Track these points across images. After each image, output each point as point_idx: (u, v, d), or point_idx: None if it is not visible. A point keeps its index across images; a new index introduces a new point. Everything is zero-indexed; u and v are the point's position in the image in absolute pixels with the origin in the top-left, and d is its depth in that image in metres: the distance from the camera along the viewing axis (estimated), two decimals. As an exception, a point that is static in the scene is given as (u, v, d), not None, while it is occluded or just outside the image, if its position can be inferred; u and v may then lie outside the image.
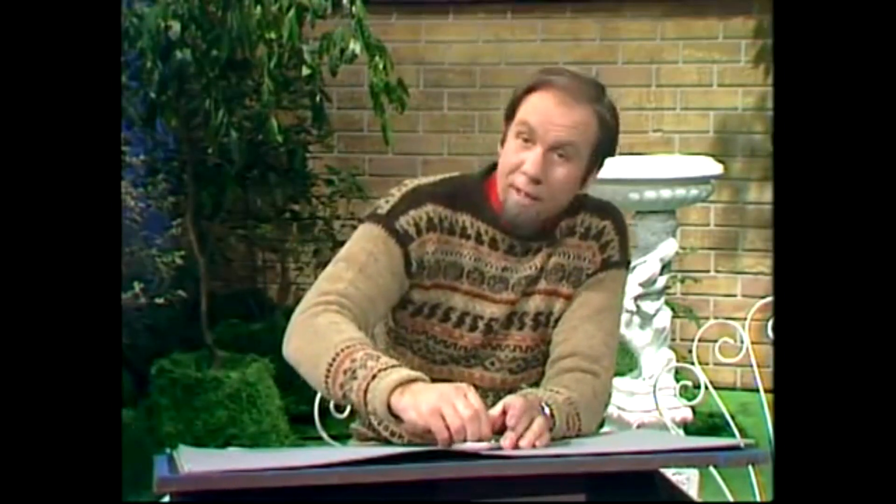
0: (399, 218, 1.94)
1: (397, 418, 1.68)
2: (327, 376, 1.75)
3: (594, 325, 1.98)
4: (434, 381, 1.84)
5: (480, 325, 1.99)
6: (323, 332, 1.80)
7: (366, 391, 1.70)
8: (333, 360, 1.74)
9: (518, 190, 1.91)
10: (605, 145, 1.95)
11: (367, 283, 1.89)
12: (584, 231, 2.02)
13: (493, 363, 2.01)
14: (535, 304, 2.00)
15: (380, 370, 1.70)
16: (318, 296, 1.87)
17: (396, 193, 1.98)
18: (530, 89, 1.91)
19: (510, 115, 1.94)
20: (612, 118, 1.94)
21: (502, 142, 1.96)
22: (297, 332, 1.85)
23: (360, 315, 1.86)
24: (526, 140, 1.90)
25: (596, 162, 1.96)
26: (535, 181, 1.90)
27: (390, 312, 2.00)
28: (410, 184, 2.00)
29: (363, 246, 1.93)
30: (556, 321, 2.01)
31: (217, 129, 3.97)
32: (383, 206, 1.96)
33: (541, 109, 1.89)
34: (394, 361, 1.74)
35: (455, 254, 1.97)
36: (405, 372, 1.70)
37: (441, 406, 1.62)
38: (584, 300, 2.00)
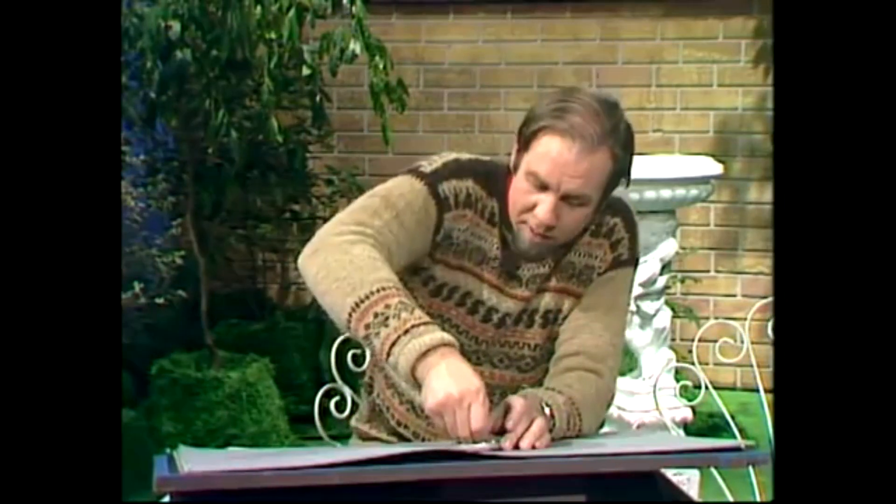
0: (442, 182, 1.90)
1: (416, 383, 1.66)
2: (353, 310, 1.69)
3: (602, 324, 1.97)
4: None
5: (494, 318, 1.97)
6: (360, 264, 1.73)
7: (393, 343, 1.66)
8: (367, 296, 1.68)
9: (531, 229, 1.89)
10: (618, 177, 1.90)
11: (399, 230, 1.84)
12: (595, 228, 1.99)
13: (501, 360, 2.00)
14: (545, 301, 1.99)
15: (413, 326, 1.66)
16: (356, 224, 1.80)
17: (438, 159, 1.93)
18: (544, 129, 1.83)
19: (522, 146, 1.87)
20: (627, 148, 1.87)
21: (514, 166, 1.90)
22: (328, 251, 1.77)
23: (388, 258, 1.79)
24: (537, 185, 1.85)
25: (609, 191, 1.92)
26: (549, 227, 1.87)
27: (411, 290, 1.95)
28: (450, 154, 1.96)
29: (402, 194, 1.87)
30: (564, 318, 2.00)
31: (217, 129, 3.97)
32: (426, 166, 1.92)
33: (553, 158, 1.82)
34: (426, 317, 1.69)
35: (482, 238, 1.94)
36: (437, 335, 1.66)
37: (444, 410, 1.62)
38: (593, 299, 1.99)
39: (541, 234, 1.88)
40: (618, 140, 1.84)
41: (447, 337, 1.68)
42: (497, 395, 1.97)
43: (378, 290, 1.69)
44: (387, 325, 1.67)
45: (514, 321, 1.99)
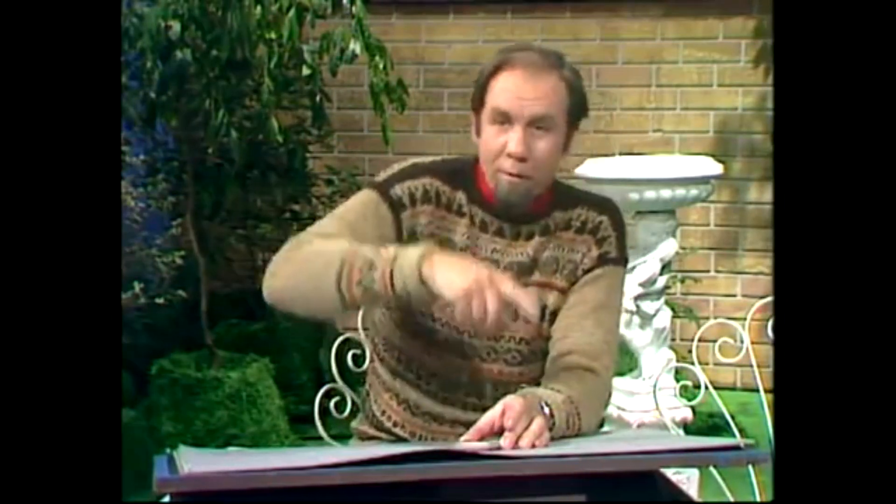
0: (395, 185, 1.98)
1: (427, 290, 1.69)
2: (339, 281, 1.74)
3: (593, 322, 1.97)
4: (432, 366, 1.95)
5: None
6: (318, 250, 1.81)
7: (391, 274, 1.71)
8: (342, 263, 1.74)
9: (507, 172, 1.93)
10: (577, 108, 1.97)
11: (352, 237, 1.88)
12: (580, 225, 2.02)
13: (489, 353, 2.00)
14: None
15: (397, 252, 1.72)
16: (302, 236, 1.90)
17: (395, 167, 2.02)
18: (494, 72, 1.93)
19: (478, 104, 1.97)
20: (578, 80, 1.97)
21: (477, 132, 1.99)
22: (285, 263, 1.86)
23: None
24: (503, 123, 1.92)
25: (572, 125, 1.98)
26: (522, 160, 1.92)
27: None
28: (410, 160, 2.04)
29: (354, 207, 1.97)
30: (552, 315, 2.00)
31: (217, 129, 3.97)
32: (381, 175, 2.01)
33: (510, 89, 1.91)
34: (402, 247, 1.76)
35: (450, 230, 1.99)
36: (420, 247, 1.73)
37: (472, 291, 1.64)
38: (582, 297, 1.99)
39: (516, 173, 1.93)
40: (566, 69, 1.95)
41: (431, 245, 1.75)
42: (488, 388, 1.99)
43: (349, 253, 1.75)
44: (375, 268, 1.72)
45: None
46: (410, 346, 2.00)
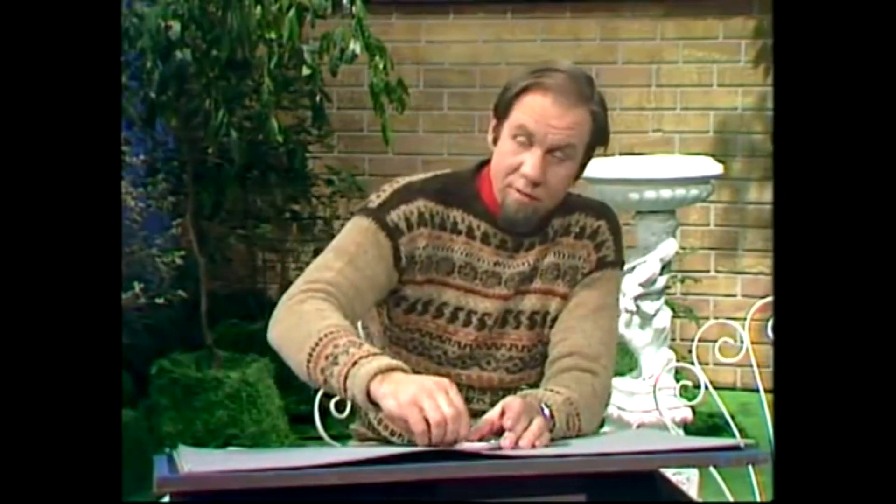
0: (390, 212, 1.95)
1: (376, 406, 1.67)
2: (309, 360, 1.74)
3: (591, 324, 1.98)
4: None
5: (474, 320, 1.99)
6: (308, 318, 1.80)
7: (346, 377, 1.69)
8: (316, 344, 1.74)
9: (518, 191, 1.92)
10: (597, 140, 1.96)
11: (355, 273, 1.90)
12: (579, 231, 2.03)
13: (489, 363, 2.01)
14: (530, 303, 2.01)
15: (361, 357, 1.70)
16: (306, 283, 1.88)
17: (388, 189, 1.99)
18: (525, 89, 1.90)
19: (503, 114, 1.94)
20: (603, 113, 1.95)
21: (494, 140, 1.97)
22: (282, 317, 1.86)
23: (347, 304, 1.86)
24: (524, 142, 1.90)
25: (589, 156, 1.98)
26: (536, 184, 1.91)
27: (385, 311, 2.01)
28: (402, 180, 2.01)
29: (353, 238, 1.94)
30: (553, 320, 2.01)
31: (217, 129, 3.97)
32: (374, 200, 1.98)
33: (538, 111, 1.89)
34: (376, 350, 1.74)
35: (446, 249, 1.98)
36: (386, 360, 1.70)
37: (420, 398, 1.62)
38: (580, 300, 2.01)
39: (528, 193, 1.92)
40: (595, 103, 1.93)
41: (395, 362, 1.70)
42: (488, 396, 1.99)
43: (325, 336, 1.74)
44: (337, 363, 1.71)
45: (499, 322, 2.00)
46: (407, 361, 1.99)
